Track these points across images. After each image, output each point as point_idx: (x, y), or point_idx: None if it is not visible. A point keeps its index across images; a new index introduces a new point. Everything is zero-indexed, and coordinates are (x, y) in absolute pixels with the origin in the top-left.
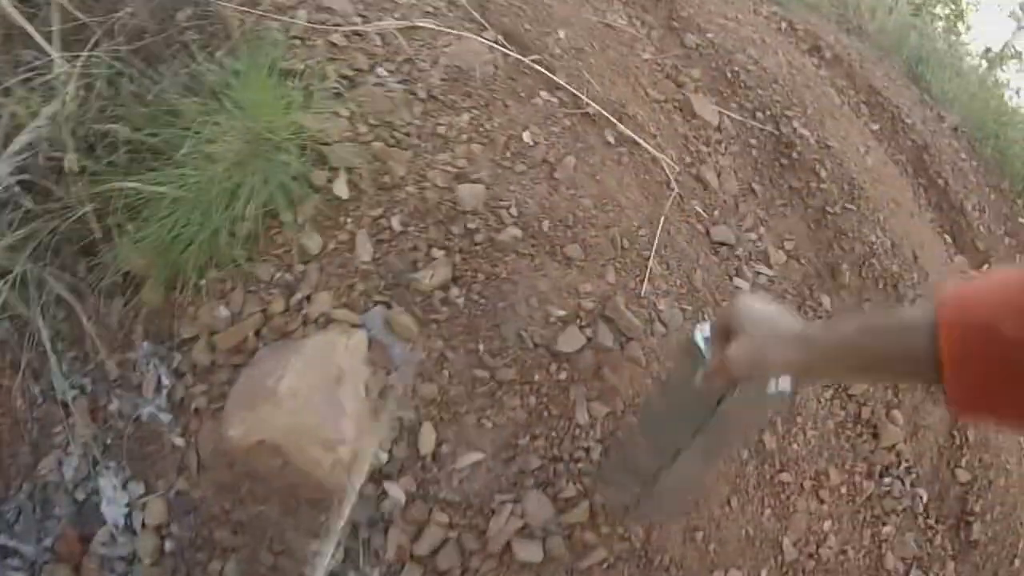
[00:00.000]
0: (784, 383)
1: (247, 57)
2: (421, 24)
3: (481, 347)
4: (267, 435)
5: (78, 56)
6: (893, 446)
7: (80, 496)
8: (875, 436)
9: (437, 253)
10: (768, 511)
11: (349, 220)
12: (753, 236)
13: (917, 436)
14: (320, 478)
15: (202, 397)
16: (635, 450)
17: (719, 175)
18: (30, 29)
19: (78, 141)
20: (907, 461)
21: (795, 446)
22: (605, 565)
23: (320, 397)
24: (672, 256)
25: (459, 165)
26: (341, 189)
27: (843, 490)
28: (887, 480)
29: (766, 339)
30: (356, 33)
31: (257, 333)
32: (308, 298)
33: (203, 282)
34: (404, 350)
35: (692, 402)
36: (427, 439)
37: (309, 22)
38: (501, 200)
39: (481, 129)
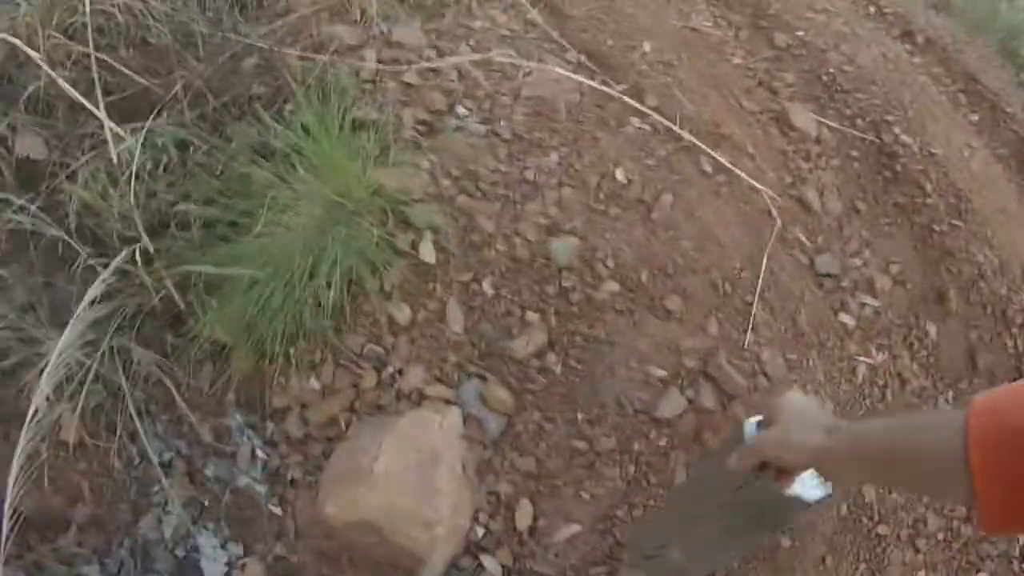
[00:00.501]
0: (812, 491)
1: (315, 110)
2: (499, 57)
3: (579, 416)
4: (363, 515)
5: (141, 127)
6: None
7: (180, 553)
8: None
9: (532, 317)
10: (863, 566)
11: (438, 287)
12: (858, 262)
13: None
14: (417, 553)
15: (297, 468)
16: (660, 522)
17: (821, 195)
18: (85, 102)
19: (149, 218)
20: None
21: (894, 495)
22: None
23: (416, 478)
24: (776, 298)
25: (550, 214)
26: (428, 253)
27: (940, 536)
28: None
29: (796, 424)
30: (431, 70)
31: (350, 407)
32: (400, 372)
33: (292, 352)
34: (500, 424)
35: (720, 481)
36: (524, 513)
37: (379, 61)
38: (596, 251)
39: (571, 170)
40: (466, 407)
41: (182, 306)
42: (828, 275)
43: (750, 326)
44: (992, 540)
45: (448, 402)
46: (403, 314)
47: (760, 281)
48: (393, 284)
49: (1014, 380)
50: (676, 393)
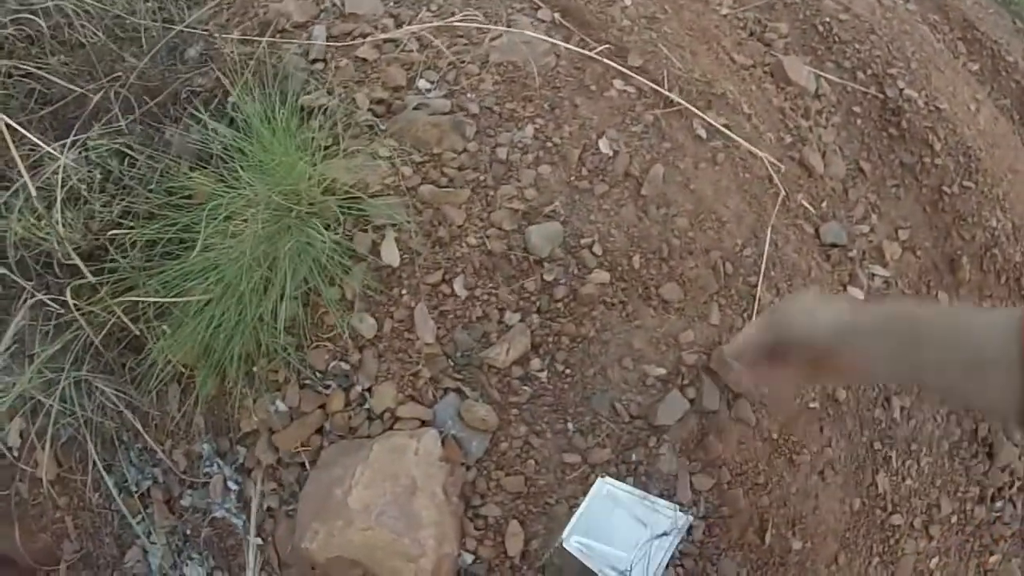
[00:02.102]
0: None
1: (258, 102)
2: (461, 23)
3: (570, 426)
4: (343, 552)
5: (66, 144)
6: (1007, 466)
7: None
8: (990, 456)
9: (511, 318)
10: (876, 559)
11: (404, 292)
12: (865, 228)
13: None
14: None
15: (273, 496)
16: None
17: (824, 156)
18: (8, 119)
19: (92, 241)
20: (1020, 479)
21: (908, 481)
22: None
23: (394, 511)
24: (782, 275)
25: (527, 197)
26: (390, 254)
27: (953, 520)
28: (999, 504)
29: (815, 300)
30: (388, 41)
31: (320, 431)
32: (369, 391)
33: (255, 371)
34: (483, 442)
35: None
36: (515, 537)
37: (332, 36)
38: (581, 237)
39: (549, 144)
40: (444, 427)
41: (136, 332)
42: (835, 245)
43: (754, 311)
44: (1007, 521)
45: (423, 423)
46: (367, 326)
47: (764, 259)
48: (355, 292)
49: None
50: (677, 394)
